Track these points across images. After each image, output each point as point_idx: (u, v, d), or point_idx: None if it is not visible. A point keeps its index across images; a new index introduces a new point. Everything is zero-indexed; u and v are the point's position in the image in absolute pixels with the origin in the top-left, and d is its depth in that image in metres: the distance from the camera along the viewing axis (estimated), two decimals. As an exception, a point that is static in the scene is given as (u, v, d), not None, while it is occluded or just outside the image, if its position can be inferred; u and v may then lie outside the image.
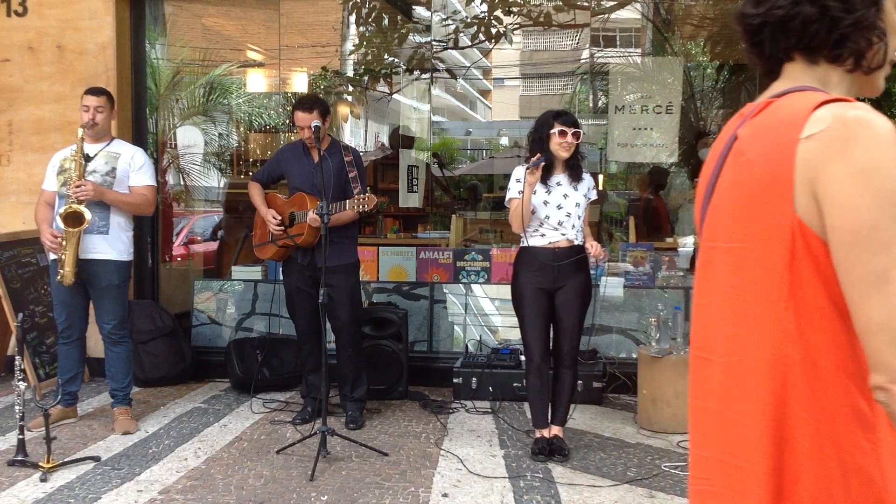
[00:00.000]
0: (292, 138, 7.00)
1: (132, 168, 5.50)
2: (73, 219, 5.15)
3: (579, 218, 4.94)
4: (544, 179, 4.91)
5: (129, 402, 5.64)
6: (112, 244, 5.41)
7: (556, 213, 4.89)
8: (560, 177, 4.95)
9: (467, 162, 18.87)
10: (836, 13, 1.56)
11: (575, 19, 10.26)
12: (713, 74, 11.57)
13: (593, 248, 4.89)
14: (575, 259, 4.93)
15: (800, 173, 1.45)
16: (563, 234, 4.91)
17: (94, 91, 5.50)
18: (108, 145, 5.49)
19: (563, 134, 4.85)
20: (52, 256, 5.46)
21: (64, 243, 5.19)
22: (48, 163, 5.58)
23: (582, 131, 4.94)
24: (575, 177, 4.94)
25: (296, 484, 4.55)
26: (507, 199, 4.99)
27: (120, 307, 5.52)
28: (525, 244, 5.00)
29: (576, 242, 4.94)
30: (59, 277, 5.25)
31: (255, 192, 5.73)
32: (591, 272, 6.40)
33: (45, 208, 5.47)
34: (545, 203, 4.91)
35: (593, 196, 5.05)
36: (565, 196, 4.91)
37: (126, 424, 5.47)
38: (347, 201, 5.23)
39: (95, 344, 6.13)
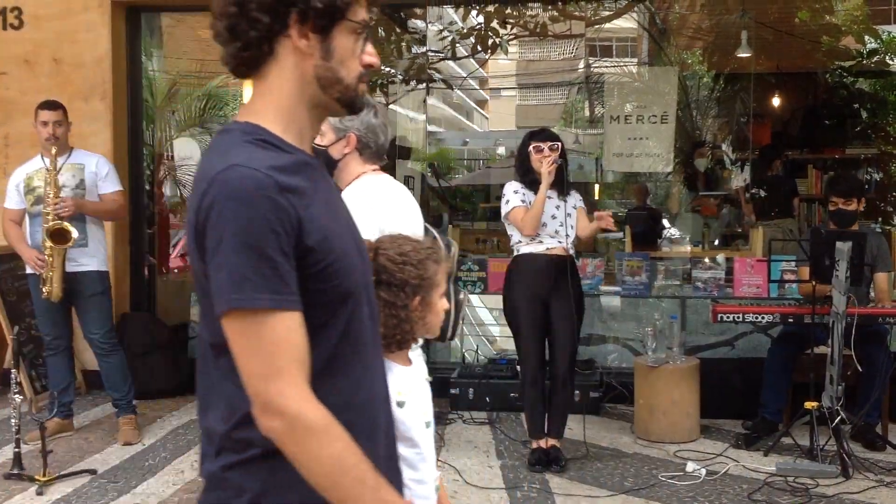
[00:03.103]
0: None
1: (99, 176, 5.49)
2: (59, 236, 5.14)
3: (572, 227, 5.01)
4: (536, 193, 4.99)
5: (133, 409, 5.63)
6: (92, 255, 5.42)
7: (552, 222, 4.95)
8: (550, 192, 4.98)
9: (464, 172, 18.87)
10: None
11: (571, 30, 10.30)
12: (709, 84, 11.60)
13: (603, 219, 4.95)
14: (570, 268, 5.00)
15: None
16: (560, 242, 4.98)
17: (50, 105, 5.42)
18: (69, 157, 5.45)
19: (538, 150, 4.97)
20: (28, 270, 5.45)
21: (50, 260, 5.18)
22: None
23: (560, 143, 5.02)
24: (562, 191, 5.01)
25: (292, 496, 4.54)
26: (508, 209, 5.03)
27: (107, 316, 5.52)
28: (520, 252, 5.04)
29: (570, 252, 5.02)
30: (44, 294, 5.24)
31: None
32: (588, 282, 6.42)
33: (15, 227, 5.43)
34: None
35: (581, 204, 5.16)
36: (557, 207, 4.98)
37: (129, 435, 5.45)
38: None
39: (92, 357, 6.12)
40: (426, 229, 3.20)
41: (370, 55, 1.63)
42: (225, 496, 1.56)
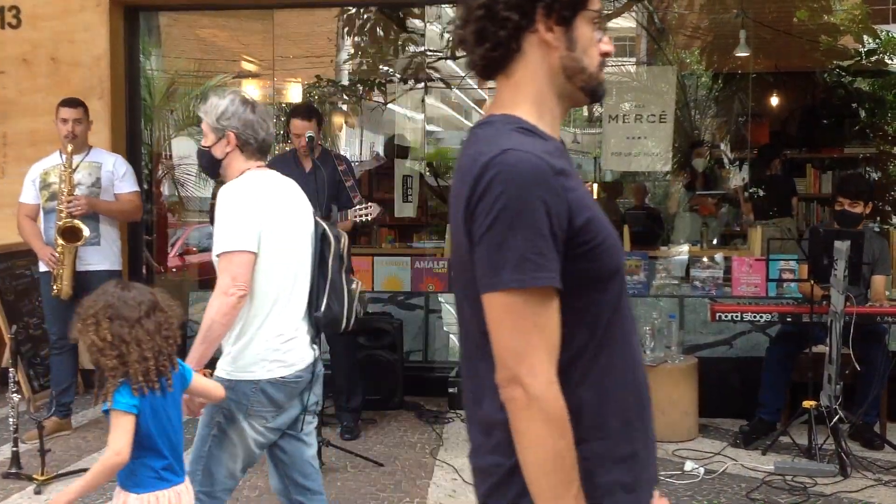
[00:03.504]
0: (286, 148, 6.99)
1: (115, 176, 5.50)
2: (70, 234, 5.15)
3: None
4: None
5: None
6: (105, 255, 5.42)
7: None
8: None
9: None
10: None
11: (569, 29, 10.27)
12: (707, 83, 11.60)
13: None
14: None
15: None
16: None
17: (70, 102, 5.46)
18: (87, 155, 5.48)
19: None
20: (42, 268, 5.45)
21: (61, 258, 5.19)
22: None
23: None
24: None
25: (291, 495, 4.54)
26: None
27: None
28: None
29: None
30: (54, 292, 5.24)
31: None
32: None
33: (30, 222, 5.45)
34: None
35: None
36: None
37: None
38: (349, 211, 5.24)
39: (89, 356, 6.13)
40: (316, 223, 3.28)
41: (606, 43, 1.67)
42: (515, 491, 1.57)
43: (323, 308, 3.22)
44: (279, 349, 3.07)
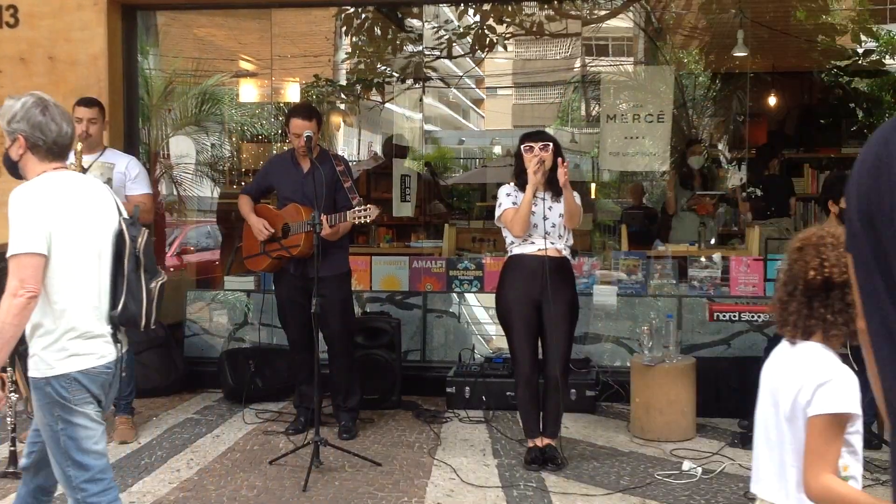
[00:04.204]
0: (285, 147, 6.98)
1: (128, 178, 5.50)
2: None
3: (565, 229, 5.02)
4: None
5: (131, 410, 5.63)
6: None
7: (543, 223, 4.95)
8: (542, 194, 4.99)
9: (460, 171, 18.88)
10: None
11: (567, 29, 10.31)
12: (705, 83, 11.61)
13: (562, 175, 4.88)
14: (562, 271, 5.01)
15: None
16: (552, 244, 4.96)
17: (86, 102, 5.49)
18: (100, 155, 5.49)
19: (529, 149, 4.97)
20: None
21: None
22: None
23: (552, 144, 5.00)
24: (557, 191, 4.98)
25: (289, 495, 4.54)
26: (500, 212, 5.05)
27: None
28: (512, 253, 5.05)
29: (564, 254, 5.02)
30: None
31: (244, 204, 5.72)
32: (584, 280, 6.42)
33: None
34: (532, 213, 4.95)
35: (577, 202, 5.10)
36: (550, 209, 4.97)
37: (124, 434, 5.46)
38: (348, 212, 5.23)
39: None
40: (119, 223, 3.28)
41: None
42: None
43: (120, 307, 3.22)
44: (84, 344, 3.13)
